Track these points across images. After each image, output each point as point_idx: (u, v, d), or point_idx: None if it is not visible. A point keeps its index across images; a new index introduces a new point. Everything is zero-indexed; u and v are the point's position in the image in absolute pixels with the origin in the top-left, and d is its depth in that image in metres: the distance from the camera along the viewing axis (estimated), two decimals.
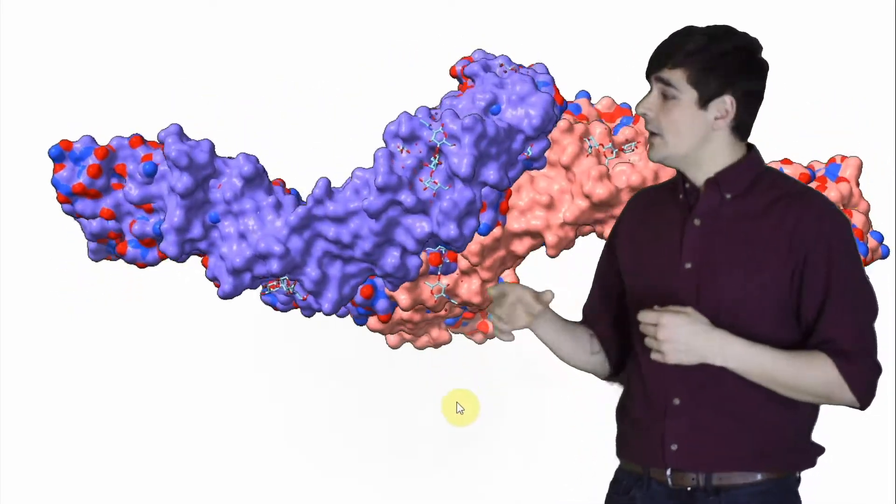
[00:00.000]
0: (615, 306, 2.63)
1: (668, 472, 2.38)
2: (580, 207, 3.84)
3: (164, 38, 5.21)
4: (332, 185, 3.43)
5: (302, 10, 5.26)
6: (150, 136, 3.86)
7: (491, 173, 3.48)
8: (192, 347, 5.01)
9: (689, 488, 2.37)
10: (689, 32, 2.35)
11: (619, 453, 2.55)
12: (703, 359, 2.23)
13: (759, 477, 2.35)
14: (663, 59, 2.33)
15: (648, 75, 2.38)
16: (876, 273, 4.39)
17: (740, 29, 2.43)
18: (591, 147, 3.72)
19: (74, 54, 5.14)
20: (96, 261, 3.75)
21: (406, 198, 3.37)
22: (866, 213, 4.35)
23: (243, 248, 3.44)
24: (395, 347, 4.07)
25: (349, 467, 4.96)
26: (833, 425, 4.78)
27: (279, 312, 3.74)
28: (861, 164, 4.33)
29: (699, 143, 2.35)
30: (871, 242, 4.26)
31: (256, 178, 3.40)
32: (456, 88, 3.75)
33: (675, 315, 2.21)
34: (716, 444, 2.35)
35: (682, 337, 2.21)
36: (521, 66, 3.57)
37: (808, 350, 2.32)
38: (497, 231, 3.81)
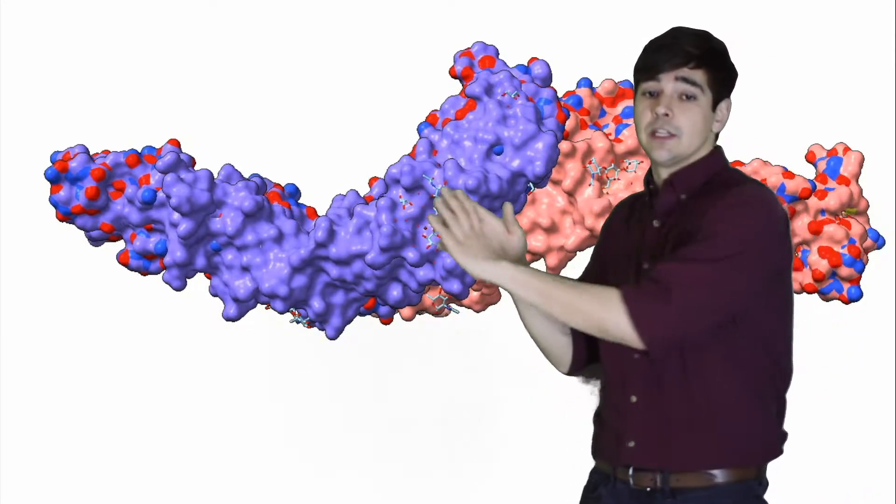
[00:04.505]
0: None
1: (630, 471, 2.39)
2: (581, 237, 3.85)
3: (162, 36, 5.20)
4: (334, 226, 3.41)
5: (301, 9, 5.25)
6: (150, 135, 3.87)
7: None
8: (190, 346, 5.01)
9: (648, 489, 2.37)
10: (693, 33, 2.35)
11: (592, 452, 2.57)
12: (484, 270, 2.24)
13: (718, 479, 2.34)
14: (685, 57, 2.31)
15: (659, 72, 2.34)
16: (876, 272, 4.40)
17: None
18: (593, 174, 3.72)
19: (74, 53, 5.13)
20: (97, 246, 3.76)
21: (410, 254, 3.38)
22: (865, 212, 4.35)
23: (247, 282, 3.45)
24: (408, 319, 4.12)
25: (342, 467, 4.97)
26: (832, 425, 4.78)
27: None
28: (863, 159, 4.31)
29: (700, 144, 2.37)
30: (868, 242, 4.26)
31: (257, 210, 3.39)
32: (454, 79, 3.75)
33: (499, 230, 2.28)
34: (672, 441, 2.35)
35: (482, 242, 2.26)
36: (521, 81, 3.54)
37: None
38: None
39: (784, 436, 2.44)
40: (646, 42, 2.45)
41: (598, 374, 2.67)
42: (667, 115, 2.32)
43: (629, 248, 2.46)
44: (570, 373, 2.63)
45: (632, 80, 4.20)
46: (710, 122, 2.36)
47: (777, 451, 2.41)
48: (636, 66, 2.42)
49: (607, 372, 2.48)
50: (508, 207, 2.42)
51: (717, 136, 2.43)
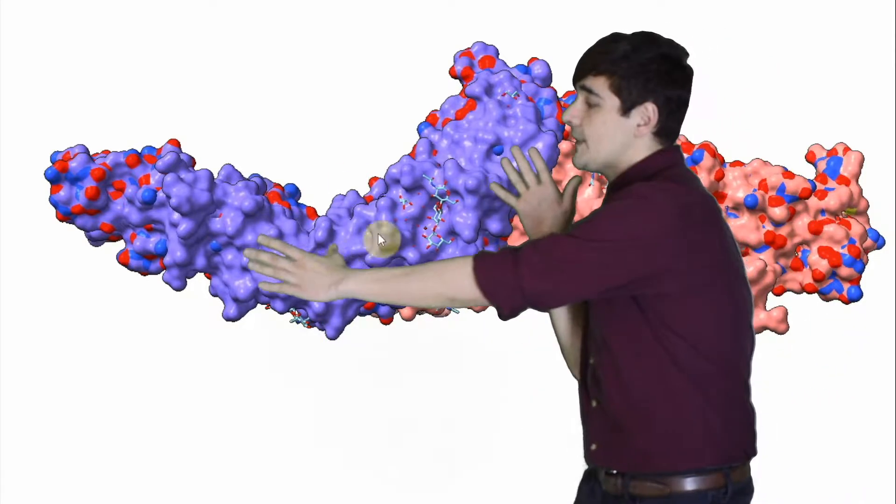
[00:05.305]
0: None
1: (602, 474, 2.41)
2: None
3: (162, 36, 5.21)
4: (334, 226, 3.42)
5: (301, 9, 5.26)
6: (151, 135, 3.87)
7: (494, 224, 3.49)
8: (190, 346, 5.02)
9: (613, 493, 2.38)
10: (611, 40, 2.35)
11: None
12: (330, 293, 2.29)
13: (678, 487, 2.31)
14: (586, 67, 2.33)
15: (574, 84, 2.38)
16: (876, 272, 4.40)
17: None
18: (593, 175, 3.71)
19: (74, 53, 5.13)
20: (96, 246, 3.76)
21: (410, 255, 3.39)
22: (865, 212, 4.36)
23: (247, 282, 3.45)
24: (408, 320, 4.11)
25: (341, 466, 4.97)
26: (832, 424, 4.78)
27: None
28: (863, 159, 4.32)
29: (620, 149, 2.34)
30: (868, 242, 4.27)
31: (257, 210, 3.39)
32: (454, 79, 3.76)
33: (314, 257, 2.31)
34: (624, 444, 2.35)
35: (313, 274, 2.29)
36: (522, 81, 3.54)
37: None
38: None
39: (748, 440, 2.38)
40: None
41: None
42: (570, 122, 2.35)
43: None
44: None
45: None
46: (624, 127, 2.32)
47: (738, 456, 2.34)
48: None
49: (578, 377, 2.51)
50: (575, 181, 2.47)
51: (667, 137, 2.36)
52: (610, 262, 2.20)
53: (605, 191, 3.06)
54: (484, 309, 4.15)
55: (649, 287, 2.23)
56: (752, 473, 2.40)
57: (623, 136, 2.34)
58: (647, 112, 2.32)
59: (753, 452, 2.39)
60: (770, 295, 4.24)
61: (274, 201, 3.54)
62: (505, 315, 2.26)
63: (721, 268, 2.28)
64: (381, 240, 3.42)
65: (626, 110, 2.32)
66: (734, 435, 2.34)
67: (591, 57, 2.34)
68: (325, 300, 2.32)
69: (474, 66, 3.71)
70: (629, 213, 2.21)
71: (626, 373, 2.32)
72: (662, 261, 2.21)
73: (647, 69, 2.31)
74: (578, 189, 3.88)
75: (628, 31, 2.39)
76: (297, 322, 3.66)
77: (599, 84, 2.32)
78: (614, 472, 2.37)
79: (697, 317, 2.28)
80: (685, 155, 3.78)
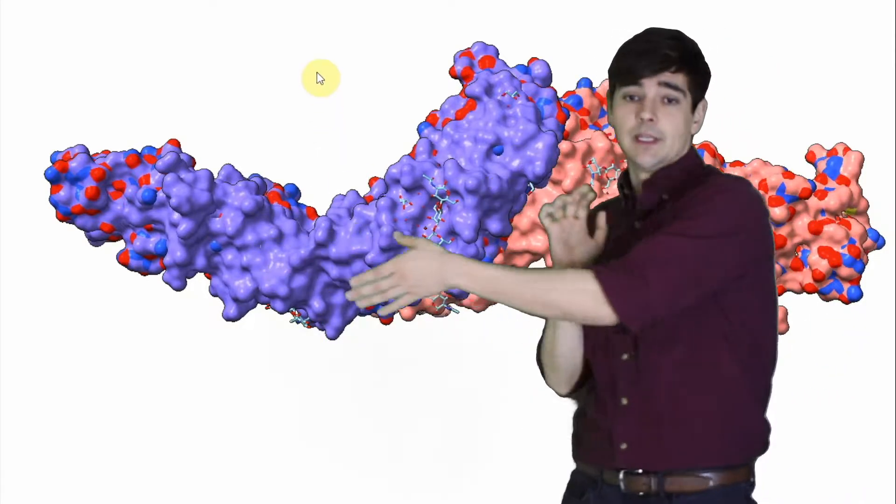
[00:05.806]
0: None
1: (621, 475, 2.35)
2: None
3: (161, 36, 5.21)
4: (334, 226, 3.42)
5: (301, 9, 5.26)
6: (151, 135, 3.87)
7: (494, 224, 3.49)
8: (190, 346, 5.02)
9: (640, 493, 2.34)
10: (671, 36, 2.34)
11: (575, 455, 2.52)
12: (442, 282, 2.23)
13: (711, 483, 2.30)
14: (666, 61, 2.31)
15: (641, 77, 2.32)
16: (876, 272, 4.41)
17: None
18: (593, 175, 3.71)
19: (74, 52, 5.13)
20: (97, 246, 3.77)
21: None
22: (865, 212, 4.36)
23: (247, 282, 3.45)
24: (408, 320, 4.12)
25: (341, 465, 4.97)
26: (832, 424, 4.78)
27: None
28: (863, 159, 4.32)
29: (684, 147, 2.37)
30: (868, 242, 4.27)
31: (257, 210, 3.39)
32: (454, 79, 3.76)
33: (405, 256, 2.24)
34: (664, 441, 2.32)
35: (416, 272, 2.23)
36: (522, 81, 3.54)
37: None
38: (498, 257, 3.85)
39: (769, 428, 2.40)
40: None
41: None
42: (651, 120, 2.31)
43: (612, 254, 2.39)
44: (570, 393, 2.60)
45: None
46: (691, 124, 2.36)
47: (766, 446, 2.38)
48: (613, 70, 2.40)
49: (596, 375, 2.44)
50: (603, 217, 2.43)
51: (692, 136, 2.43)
52: (726, 255, 2.22)
53: (605, 191, 3.05)
54: (484, 308, 4.14)
55: (742, 278, 2.26)
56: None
57: (688, 133, 2.38)
58: (700, 110, 2.40)
59: (769, 442, 2.42)
60: None
61: (274, 201, 3.54)
62: (635, 332, 2.22)
63: (772, 260, 2.35)
64: (319, 78, 3.36)
65: (693, 107, 2.37)
66: (764, 427, 2.39)
67: (661, 52, 2.32)
68: (438, 292, 2.28)
69: (474, 66, 3.71)
70: (729, 205, 2.24)
71: (678, 367, 2.31)
72: (762, 249, 2.27)
73: (704, 66, 2.38)
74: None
75: (628, 30, 2.39)
76: (297, 322, 3.66)
77: (680, 80, 2.33)
78: (639, 471, 2.34)
79: (759, 307, 2.33)
80: None
